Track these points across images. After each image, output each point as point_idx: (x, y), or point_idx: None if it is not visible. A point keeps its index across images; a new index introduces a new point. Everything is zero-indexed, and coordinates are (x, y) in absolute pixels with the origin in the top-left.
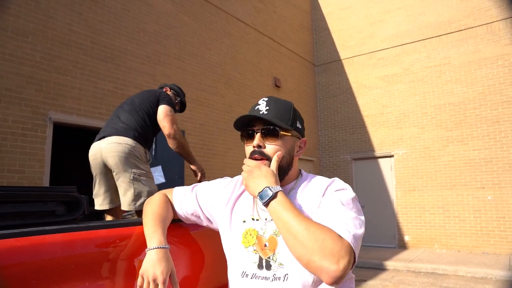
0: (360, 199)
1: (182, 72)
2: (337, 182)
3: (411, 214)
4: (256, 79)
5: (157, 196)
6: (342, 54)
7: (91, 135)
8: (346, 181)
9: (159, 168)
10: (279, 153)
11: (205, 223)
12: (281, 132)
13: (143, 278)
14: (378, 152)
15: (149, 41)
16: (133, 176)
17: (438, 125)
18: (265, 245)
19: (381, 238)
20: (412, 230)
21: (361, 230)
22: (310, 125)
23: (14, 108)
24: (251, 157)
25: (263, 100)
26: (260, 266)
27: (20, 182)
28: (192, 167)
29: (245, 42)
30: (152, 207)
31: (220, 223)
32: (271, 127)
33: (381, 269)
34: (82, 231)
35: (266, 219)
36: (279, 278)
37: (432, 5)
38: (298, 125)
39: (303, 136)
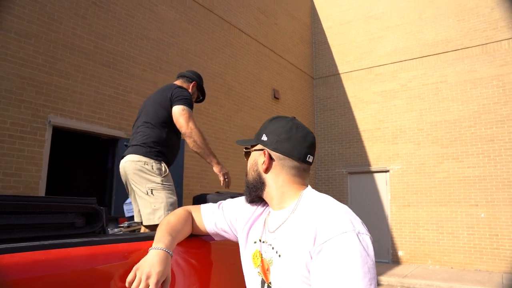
0: (355, 212)
1: None
2: (333, 224)
3: (405, 230)
4: (256, 90)
5: (178, 211)
6: (341, 68)
7: (91, 140)
8: (341, 195)
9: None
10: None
11: (233, 238)
12: (247, 150)
13: (135, 274)
14: (373, 167)
15: (152, 48)
16: (147, 191)
17: (433, 141)
18: (267, 269)
19: (375, 252)
20: (406, 245)
21: None
22: None
23: (13, 110)
24: None
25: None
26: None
27: (16, 186)
28: (214, 169)
29: (246, 53)
30: (169, 219)
31: (239, 241)
32: (246, 151)
33: None
34: (104, 244)
35: (270, 245)
36: None
37: (430, 24)
38: (264, 137)
39: (270, 148)
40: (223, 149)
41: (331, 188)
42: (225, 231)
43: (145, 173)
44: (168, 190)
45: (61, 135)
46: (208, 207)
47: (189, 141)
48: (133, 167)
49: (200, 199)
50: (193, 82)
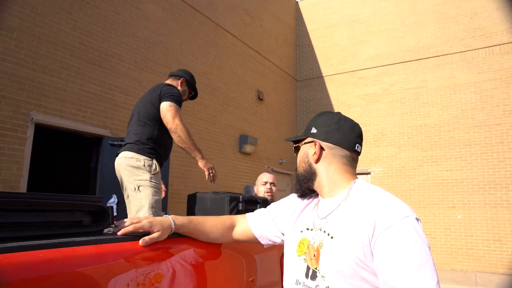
0: None
1: None
2: (394, 209)
3: None
4: (240, 91)
5: (221, 217)
6: (324, 71)
7: (75, 138)
8: None
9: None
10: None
11: (279, 240)
12: (296, 145)
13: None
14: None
15: (138, 46)
16: (134, 187)
17: (414, 145)
18: (314, 255)
19: None
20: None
21: (436, 278)
22: None
23: None
24: None
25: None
26: (307, 275)
27: None
28: (199, 164)
29: (232, 53)
30: (206, 216)
31: (285, 233)
32: (294, 146)
33: None
34: (114, 243)
35: (320, 229)
36: None
37: (413, 30)
38: (313, 130)
39: (320, 138)
40: (207, 149)
41: None
42: (272, 234)
43: (136, 169)
44: (155, 188)
45: (44, 133)
46: (254, 213)
47: (174, 137)
48: (126, 163)
49: (194, 197)
50: (181, 79)
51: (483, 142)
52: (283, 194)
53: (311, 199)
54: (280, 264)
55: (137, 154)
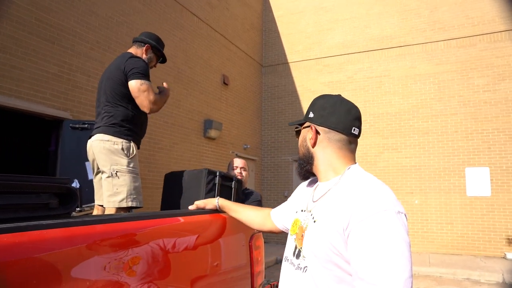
0: None
1: None
2: (372, 201)
3: None
4: (206, 75)
5: (261, 208)
6: (290, 58)
7: (33, 120)
8: (286, 182)
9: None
10: None
11: None
12: (297, 129)
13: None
14: None
15: (100, 25)
16: (111, 172)
17: (375, 132)
18: (302, 236)
19: None
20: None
21: (407, 273)
22: (255, 124)
23: None
24: None
25: None
26: (294, 253)
27: None
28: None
29: (197, 36)
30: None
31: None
32: (296, 130)
33: None
34: (82, 225)
35: (310, 212)
36: (301, 268)
37: (377, 20)
38: (311, 114)
39: (316, 123)
40: (171, 133)
41: (276, 175)
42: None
43: (113, 153)
44: (133, 173)
45: None
46: (277, 207)
47: (154, 113)
48: (102, 146)
49: (172, 175)
50: (146, 46)
51: (439, 131)
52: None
53: (315, 183)
54: (249, 247)
55: (113, 137)
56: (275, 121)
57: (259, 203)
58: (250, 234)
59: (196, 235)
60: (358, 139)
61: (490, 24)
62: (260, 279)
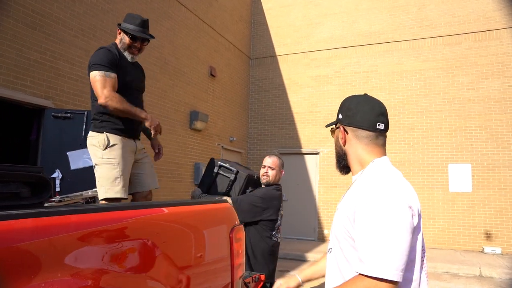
0: (285, 193)
1: None
2: (374, 190)
3: (332, 210)
4: (192, 66)
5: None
6: (278, 51)
7: (13, 108)
8: None
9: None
10: None
11: None
12: (332, 130)
13: None
14: (304, 149)
15: (85, 13)
16: (94, 166)
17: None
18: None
19: (302, 231)
20: (331, 224)
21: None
22: (241, 117)
23: None
24: None
25: None
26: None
27: None
28: (146, 124)
29: (185, 27)
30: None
31: None
32: (330, 130)
33: (302, 260)
34: (55, 216)
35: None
36: (329, 250)
37: (365, 15)
38: (340, 116)
39: (344, 123)
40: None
41: None
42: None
43: (92, 146)
44: (109, 163)
45: None
46: None
47: (110, 110)
48: (88, 142)
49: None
50: (118, 31)
51: (424, 127)
52: None
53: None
54: (229, 239)
55: (92, 132)
56: (262, 114)
57: (273, 197)
58: (231, 226)
59: (176, 226)
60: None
61: (475, 23)
62: (240, 272)
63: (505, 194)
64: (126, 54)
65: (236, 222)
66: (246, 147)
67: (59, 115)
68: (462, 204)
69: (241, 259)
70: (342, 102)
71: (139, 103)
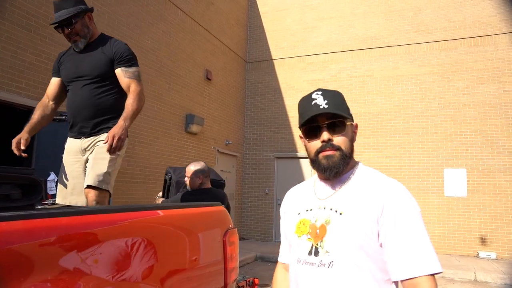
0: (280, 197)
1: None
2: (402, 187)
3: None
4: (189, 70)
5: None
6: (274, 54)
7: (8, 110)
8: (267, 179)
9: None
10: None
11: None
12: (347, 123)
13: None
14: (300, 153)
15: None
16: None
17: (357, 132)
18: (317, 232)
19: None
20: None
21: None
22: (237, 121)
23: None
24: (322, 151)
25: (317, 94)
26: (310, 252)
27: None
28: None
29: (181, 30)
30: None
31: (286, 224)
32: (337, 120)
33: None
34: (45, 218)
35: (323, 208)
36: (324, 264)
37: (361, 20)
38: (350, 111)
39: (351, 118)
40: (152, 127)
41: (258, 171)
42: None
43: None
44: (62, 163)
45: None
46: (280, 253)
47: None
48: None
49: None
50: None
51: (420, 132)
52: (228, 175)
53: (305, 185)
54: (223, 243)
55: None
56: (258, 118)
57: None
58: (224, 229)
59: (170, 229)
60: None
61: (470, 29)
62: (234, 275)
63: (500, 199)
64: (72, 45)
65: (230, 226)
66: (241, 150)
67: (54, 117)
68: (458, 208)
69: (235, 263)
70: (337, 94)
71: (79, 92)
